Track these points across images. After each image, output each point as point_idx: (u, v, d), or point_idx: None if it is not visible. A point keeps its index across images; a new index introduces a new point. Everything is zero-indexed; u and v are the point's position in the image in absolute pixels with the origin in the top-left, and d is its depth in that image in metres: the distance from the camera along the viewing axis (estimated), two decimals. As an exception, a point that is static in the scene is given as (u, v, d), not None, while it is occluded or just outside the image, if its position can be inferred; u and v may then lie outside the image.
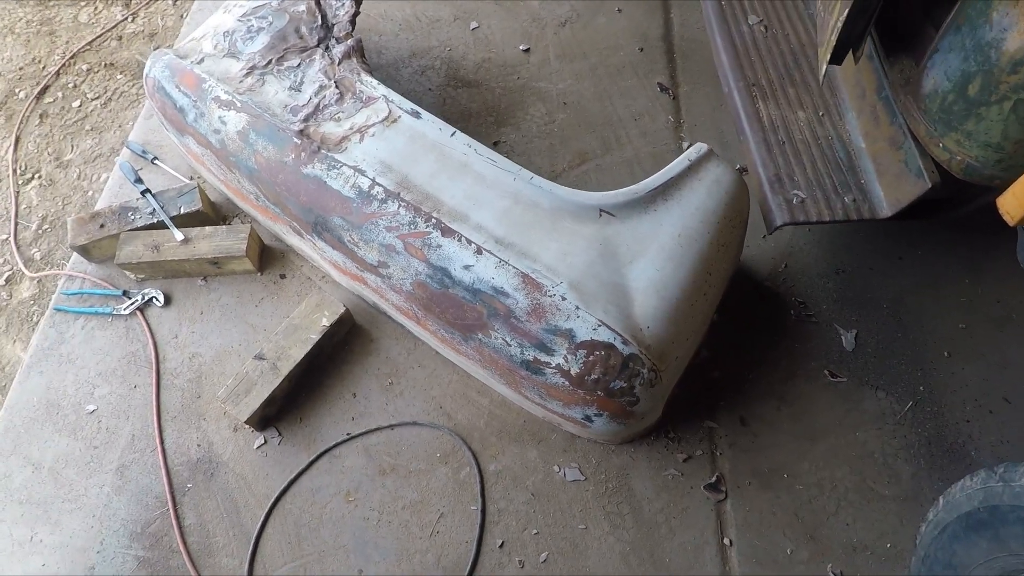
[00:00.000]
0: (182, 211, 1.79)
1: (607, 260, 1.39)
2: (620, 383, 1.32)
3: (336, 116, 1.55)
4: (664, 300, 1.37)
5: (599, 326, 1.30)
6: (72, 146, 2.27)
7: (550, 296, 1.32)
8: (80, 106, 2.35)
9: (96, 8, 2.64)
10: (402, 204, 1.42)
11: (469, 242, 1.38)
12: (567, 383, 1.34)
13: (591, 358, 1.30)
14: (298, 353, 1.58)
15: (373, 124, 1.52)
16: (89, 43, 2.51)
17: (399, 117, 1.53)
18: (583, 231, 1.41)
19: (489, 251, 1.37)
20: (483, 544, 1.46)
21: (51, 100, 2.38)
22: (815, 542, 1.45)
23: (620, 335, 1.30)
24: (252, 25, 1.71)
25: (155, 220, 1.77)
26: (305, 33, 1.69)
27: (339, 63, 1.64)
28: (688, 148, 1.55)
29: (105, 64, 2.46)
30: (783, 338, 1.70)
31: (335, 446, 1.56)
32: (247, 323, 1.73)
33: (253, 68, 1.64)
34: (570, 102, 2.14)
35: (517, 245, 1.38)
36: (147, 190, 1.81)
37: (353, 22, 1.71)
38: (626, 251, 1.40)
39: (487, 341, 1.40)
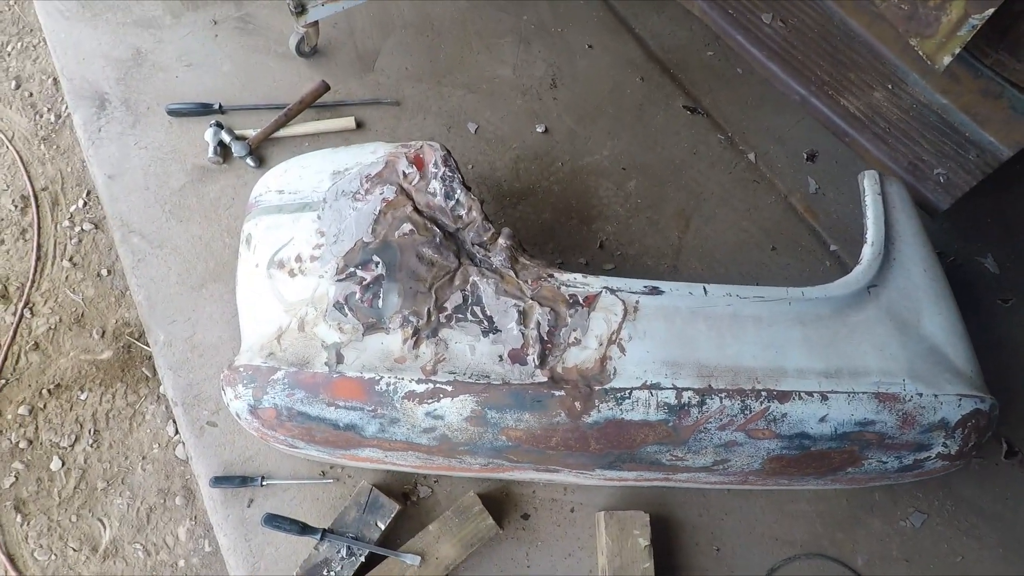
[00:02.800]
0: (381, 525, 1.37)
1: (907, 331, 1.37)
2: (989, 434, 1.35)
3: (573, 340, 1.26)
4: (962, 336, 1.40)
5: (960, 400, 1.30)
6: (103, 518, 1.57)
7: (909, 400, 1.28)
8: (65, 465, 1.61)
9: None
10: (721, 396, 1.24)
11: (809, 395, 1.26)
12: (947, 463, 1.34)
13: (967, 431, 1.31)
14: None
15: (618, 327, 1.27)
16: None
17: (637, 303, 1.30)
18: (871, 315, 1.36)
19: (831, 391, 1.26)
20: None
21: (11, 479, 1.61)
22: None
23: (976, 396, 1.32)
24: (360, 277, 1.29)
25: (359, 558, 1.34)
26: (433, 256, 1.32)
27: (512, 273, 1.32)
28: (863, 181, 1.54)
29: (55, 390, 1.70)
30: None
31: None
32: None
33: (418, 333, 1.25)
34: (627, 165, 1.98)
35: (844, 368, 1.30)
36: (328, 530, 1.34)
37: (486, 215, 1.37)
38: (909, 312, 1.39)
39: (855, 471, 1.33)
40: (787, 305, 1.34)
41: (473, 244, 1.36)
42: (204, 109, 1.92)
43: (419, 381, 1.22)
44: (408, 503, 1.47)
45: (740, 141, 2.06)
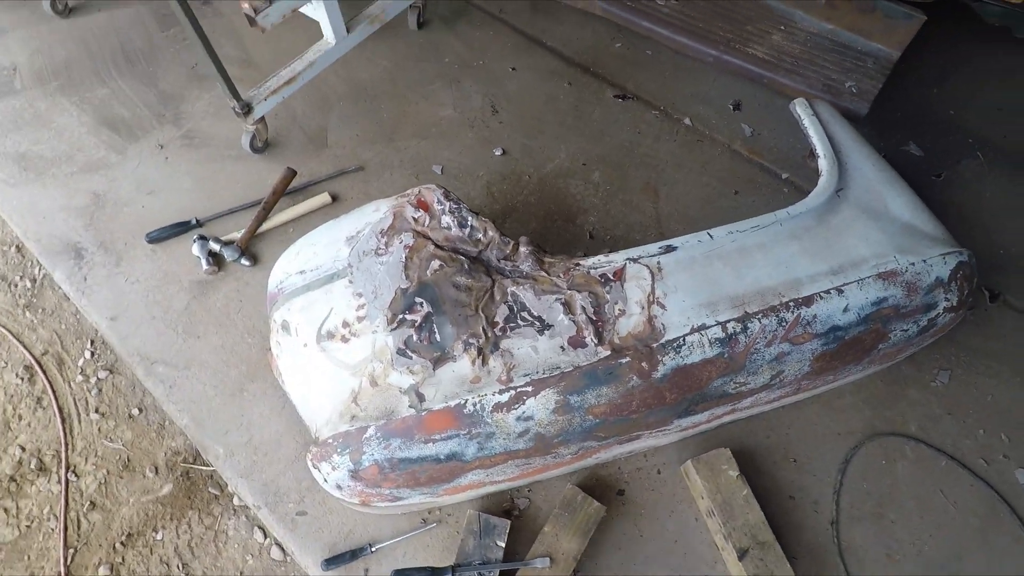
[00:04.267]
0: (501, 544, 1.42)
1: (880, 217, 1.56)
2: (976, 279, 1.56)
3: (617, 312, 1.38)
4: (922, 207, 1.61)
5: (944, 258, 1.50)
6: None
7: (905, 271, 1.46)
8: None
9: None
10: (758, 317, 1.38)
11: (827, 293, 1.42)
12: (953, 314, 1.53)
13: (960, 282, 1.50)
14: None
15: (651, 288, 1.40)
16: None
17: (659, 263, 1.43)
18: (847, 214, 1.55)
19: (843, 284, 1.43)
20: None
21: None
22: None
23: (954, 251, 1.52)
24: (411, 320, 1.37)
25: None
26: (467, 282, 1.41)
27: (543, 274, 1.43)
28: (796, 109, 1.76)
29: (128, 541, 1.65)
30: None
31: None
32: None
33: (482, 352, 1.34)
34: (586, 160, 2.15)
35: (844, 263, 1.47)
36: (455, 565, 1.38)
37: (501, 232, 1.47)
38: (875, 202, 1.60)
39: (885, 347, 1.50)
40: (779, 226, 1.51)
41: (499, 260, 1.47)
42: (182, 228, 1.96)
43: (501, 392, 1.30)
44: (513, 518, 1.53)
45: (672, 111, 2.27)
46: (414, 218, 1.51)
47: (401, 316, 1.39)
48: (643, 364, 1.34)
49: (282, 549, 1.62)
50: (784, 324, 1.39)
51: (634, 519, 1.55)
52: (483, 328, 1.37)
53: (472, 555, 1.41)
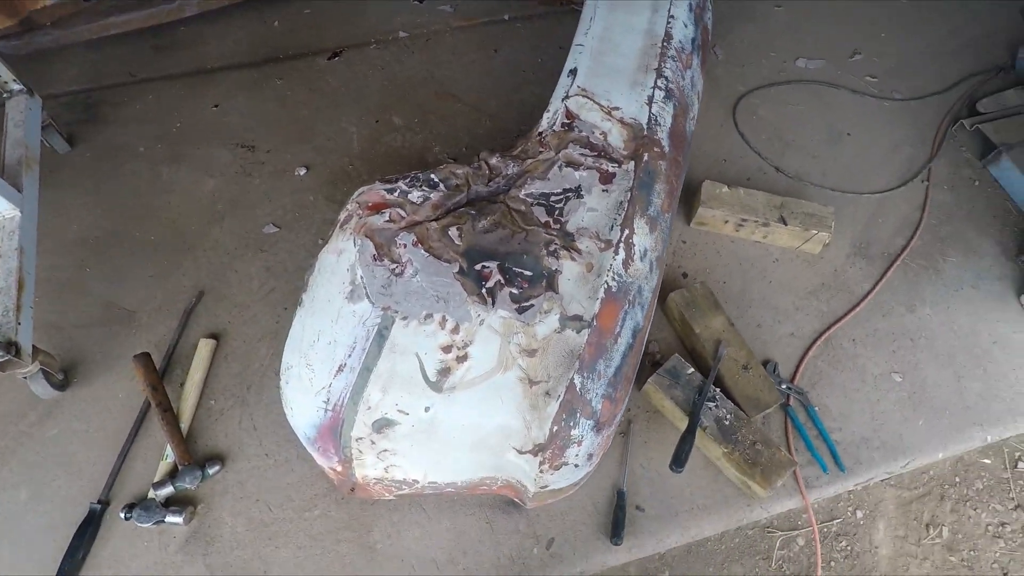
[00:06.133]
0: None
1: None
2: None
3: (601, 136, 1.43)
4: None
5: None
6: None
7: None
8: None
9: None
10: (664, 68, 1.57)
11: (669, 21, 1.67)
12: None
13: None
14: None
15: (599, 104, 1.47)
16: None
17: (580, 87, 1.50)
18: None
19: (669, 11, 1.70)
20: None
21: None
22: None
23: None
24: (495, 282, 1.22)
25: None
26: (489, 221, 1.30)
27: (527, 162, 1.38)
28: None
29: None
30: None
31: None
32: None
33: (568, 246, 1.28)
34: (376, 116, 2.02)
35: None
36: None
37: (459, 164, 1.35)
38: None
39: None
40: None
41: (487, 185, 1.38)
42: (88, 527, 1.32)
43: (614, 254, 1.29)
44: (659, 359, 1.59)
45: (381, 36, 2.23)
46: (387, 220, 1.30)
47: (485, 289, 1.23)
48: (655, 149, 1.45)
49: None
50: (675, 59, 1.63)
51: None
52: (544, 233, 1.30)
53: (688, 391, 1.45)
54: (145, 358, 1.47)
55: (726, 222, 1.76)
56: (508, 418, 1.20)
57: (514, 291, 1.24)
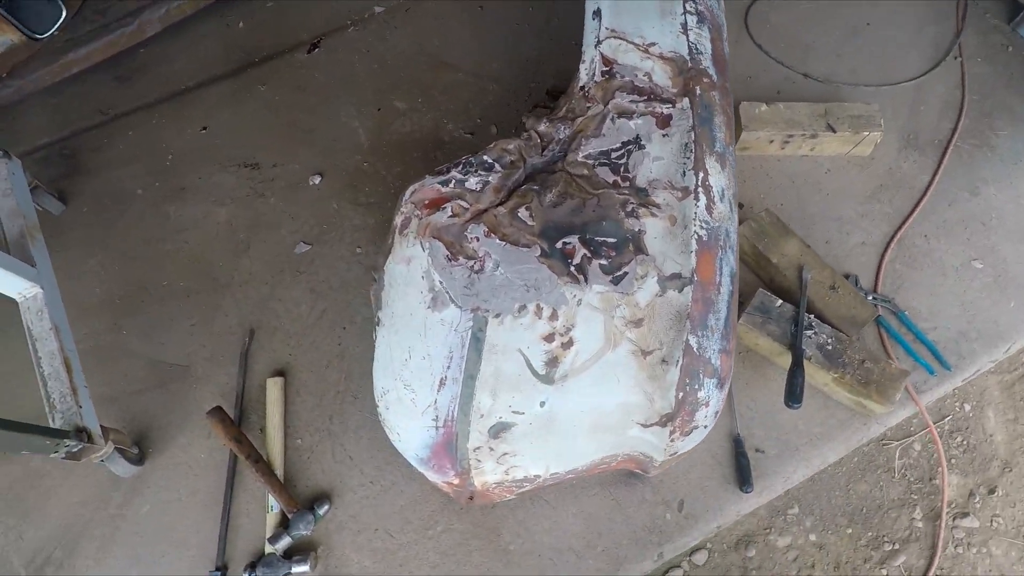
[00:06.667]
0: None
1: None
2: None
3: (644, 77, 1.33)
4: None
5: None
6: None
7: None
8: None
9: None
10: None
11: None
12: None
13: None
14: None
15: (634, 43, 1.36)
16: None
17: (609, 27, 1.39)
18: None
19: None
20: None
21: None
22: None
23: None
24: (582, 257, 1.15)
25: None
26: (555, 194, 1.21)
27: (577, 121, 1.28)
28: None
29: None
30: None
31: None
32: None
33: (644, 203, 1.20)
34: (377, 104, 1.88)
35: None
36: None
37: (508, 137, 1.25)
38: None
39: None
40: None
41: (541, 155, 1.28)
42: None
43: (695, 201, 1.20)
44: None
45: (356, 15, 2.06)
46: (451, 216, 1.20)
47: (574, 267, 1.16)
48: (704, 80, 1.35)
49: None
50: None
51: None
52: (615, 194, 1.22)
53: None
54: (220, 412, 1.39)
55: (771, 142, 1.68)
56: (627, 395, 1.14)
57: (603, 262, 1.16)
